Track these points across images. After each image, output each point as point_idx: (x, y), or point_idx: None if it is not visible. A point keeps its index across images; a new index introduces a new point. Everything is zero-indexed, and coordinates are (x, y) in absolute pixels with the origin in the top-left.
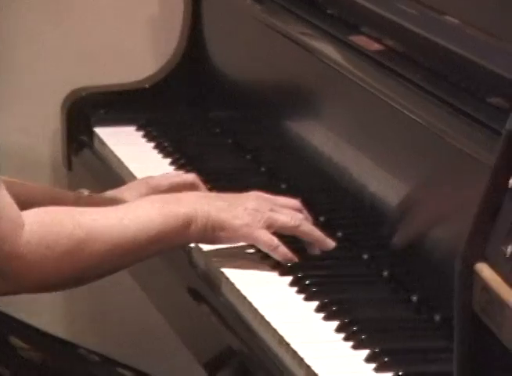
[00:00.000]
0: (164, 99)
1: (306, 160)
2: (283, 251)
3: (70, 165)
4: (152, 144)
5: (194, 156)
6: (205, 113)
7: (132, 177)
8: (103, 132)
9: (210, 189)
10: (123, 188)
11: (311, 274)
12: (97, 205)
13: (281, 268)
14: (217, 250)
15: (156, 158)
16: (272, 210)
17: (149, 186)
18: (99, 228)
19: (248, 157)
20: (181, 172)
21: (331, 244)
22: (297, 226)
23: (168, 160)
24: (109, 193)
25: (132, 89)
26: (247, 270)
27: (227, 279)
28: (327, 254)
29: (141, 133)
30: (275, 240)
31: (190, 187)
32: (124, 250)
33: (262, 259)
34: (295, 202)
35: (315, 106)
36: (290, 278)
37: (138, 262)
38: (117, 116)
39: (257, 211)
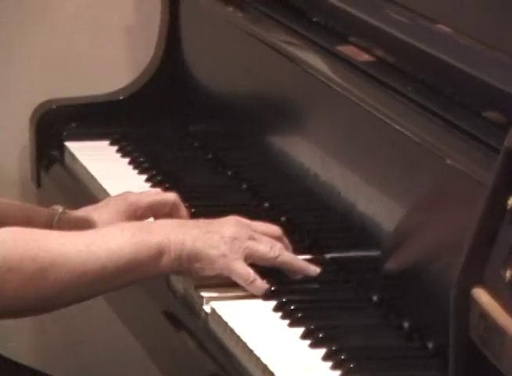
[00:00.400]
0: (139, 112)
1: (291, 177)
2: (259, 286)
3: (39, 182)
4: (126, 159)
5: (172, 172)
6: (184, 127)
7: (106, 194)
8: (75, 147)
9: (189, 208)
10: (100, 204)
11: (296, 299)
12: (72, 223)
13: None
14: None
15: (132, 174)
16: (250, 238)
17: (128, 202)
18: (66, 253)
19: (229, 173)
20: (160, 191)
21: (315, 270)
22: (276, 257)
23: (144, 176)
24: (85, 210)
25: (106, 101)
26: (229, 294)
27: (207, 304)
28: (313, 278)
29: (115, 148)
30: (251, 274)
31: (171, 207)
32: (91, 278)
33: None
34: (275, 229)
35: (300, 119)
36: (274, 303)
37: (107, 293)
38: (89, 130)
39: (235, 240)
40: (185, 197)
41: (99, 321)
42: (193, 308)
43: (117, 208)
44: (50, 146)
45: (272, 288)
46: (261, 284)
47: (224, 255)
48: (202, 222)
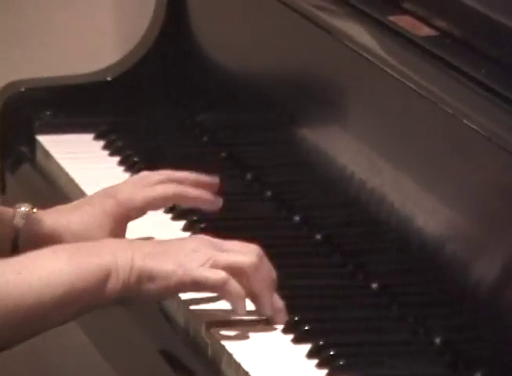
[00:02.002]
0: (132, 97)
1: (328, 182)
2: (235, 289)
3: (3, 186)
4: (116, 158)
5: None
6: (190, 116)
7: None
8: (49, 141)
9: (196, 222)
10: (80, 202)
11: (332, 339)
12: (44, 225)
13: (285, 324)
14: (201, 298)
15: (122, 179)
16: (218, 250)
17: (117, 201)
18: None
19: (249, 176)
20: (155, 175)
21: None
22: (256, 263)
23: None
24: (61, 209)
25: (89, 83)
26: (242, 328)
27: (218, 343)
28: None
29: (101, 143)
30: (221, 273)
31: (177, 200)
32: (23, 315)
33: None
34: (253, 249)
35: (340, 108)
36: (305, 345)
37: (42, 332)
38: (68, 119)
39: (197, 252)
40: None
41: (76, 359)
42: (198, 346)
43: (104, 209)
44: (17, 140)
45: (296, 318)
46: (237, 285)
47: (181, 266)
48: (157, 241)
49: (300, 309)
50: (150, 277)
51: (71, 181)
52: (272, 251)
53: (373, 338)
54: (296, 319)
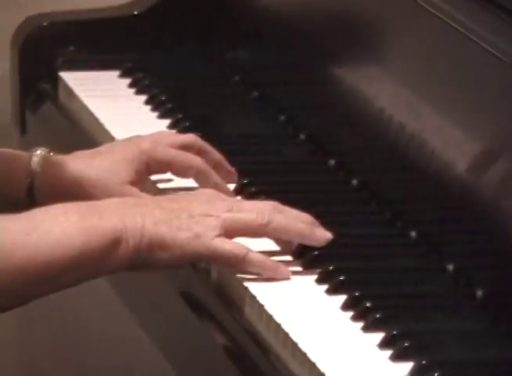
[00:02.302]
0: (160, 32)
1: (366, 125)
2: (257, 259)
3: (23, 126)
4: (142, 97)
5: (204, 116)
6: (220, 53)
7: None
8: (73, 79)
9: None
10: (101, 149)
11: (368, 291)
12: (62, 170)
13: (319, 274)
14: None
15: (150, 118)
16: (228, 210)
17: (140, 149)
18: None
19: (282, 118)
20: (182, 136)
21: (325, 235)
22: (268, 223)
23: (167, 121)
24: (81, 155)
25: (115, 17)
26: (277, 282)
27: (250, 294)
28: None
29: (127, 81)
30: (240, 247)
31: (195, 175)
32: (30, 278)
33: (296, 260)
34: (266, 203)
35: (377, 47)
36: (340, 296)
37: (52, 293)
38: (92, 55)
39: (209, 217)
40: (220, 152)
41: (101, 312)
42: (230, 298)
43: (125, 156)
44: (39, 76)
45: (331, 268)
46: (260, 257)
47: (197, 236)
48: (164, 199)
49: (334, 258)
50: (163, 246)
51: (96, 120)
52: (305, 197)
53: (411, 290)
54: (330, 268)
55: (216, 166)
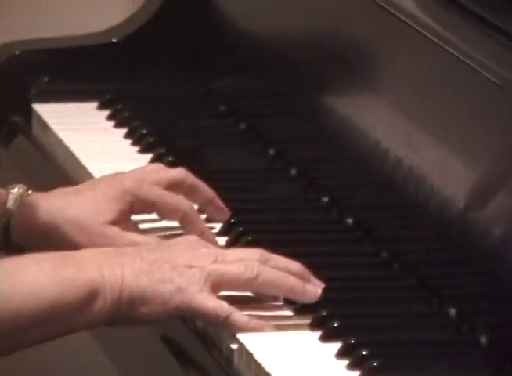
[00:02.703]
0: (140, 61)
1: (361, 160)
2: (240, 320)
3: None
4: (122, 130)
5: (188, 150)
6: (205, 83)
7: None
8: (47, 111)
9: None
10: (82, 186)
11: (365, 337)
12: (39, 210)
13: (313, 320)
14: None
15: (130, 153)
16: (214, 261)
17: (124, 187)
18: None
19: (271, 152)
20: (171, 172)
21: (315, 293)
22: (256, 277)
23: (148, 156)
24: (60, 192)
25: (93, 45)
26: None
27: (238, 341)
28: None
29: (105, 113)
30: (224, 306)
31: (182, 221)
32: (1, 329)
33: (286, 305)
34: (254, 251)
35: (370, 74)
36: (334, 343)
37: (23, 348)
38: (68, 86)
39: (193, 268)
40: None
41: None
42: (215, 344)
43: (108, 195)
44: (11, 109)
45: (324, 314)
46: (242, 318)
47: (180, 289)
48: (144, 249)
49: (328, 302)
50: (144, 301)
51: (72, 156)
52: (297, 237)
53: (411, 336)
54: (324, 314)
55: (208, 203)
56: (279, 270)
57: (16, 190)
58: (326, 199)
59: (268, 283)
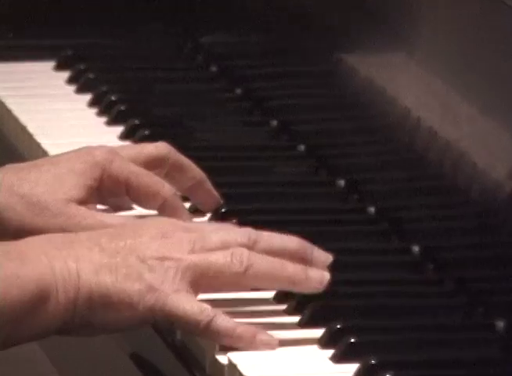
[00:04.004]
0: (111, 8)
1: (382, 131)
2: (226, 327)
3: None
4: (86, 97)
5: (169, 121)
6: (191, 38)
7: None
8: None
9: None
10: (43, 160)
11: (388, 358)
12: None
13: (324, 335)
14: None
15: (95, 125)
16: (193, 250)
17: (95, 160)
18: None
19: (274, 123)
20: (152, 147)
21: (321, 279)
22: (247, 269)
23: (118, 128)
24: (11, 167)
25: None
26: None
27: (230, 362)
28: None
29: (64, 75)
30: (206, 308)
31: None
32: None
33: (277, 304)
34: (242, 232)
35: (399, 30)
36: (351, 365)
37: None
38: (17, 41)
39: (167, 260)
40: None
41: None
42: (197, 362)
43: (72, 168)
44: None
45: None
46: (226, 322)
47: (152, 289)
48: (104, 234)
49: (343, 312)
50: (106, 303)
51: (22, 129)
52: (306, 229)
53: (446, 356)
54: (338, 327)
55: (196, 187)
56: (275, 253)
57: None
58: (341, 182)
59: (262, 275)
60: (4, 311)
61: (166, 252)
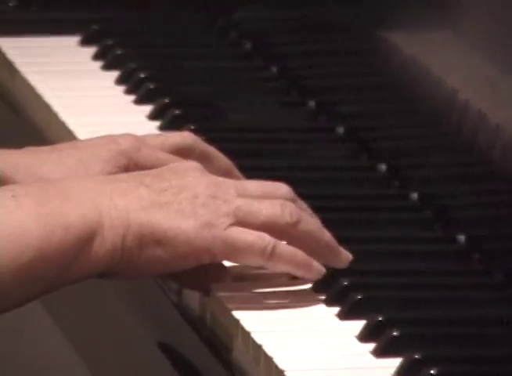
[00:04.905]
0: None
1: (428, 114)
2: (289, 252)
3: None
4: (113, 74)
5: (200, 101)
6: (222, 13)
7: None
8: (13, 47)
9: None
10: (65, 144)
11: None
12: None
13: (368, 327)
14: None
15: (123, 104)
16: (241, 194)
17: (120, 148)
18: None
19: (312, 104)
20: (179, 137)
21: (347, 257)
22: (296, 223)
23: (147, 107)
24: (31, 150)
25: None
26: (282, 313)
27: (246, 333)
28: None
29: (91, 51)
30: (266, 237)
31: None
32: None
33: (316, 293)
34: (281, 186)
35: (452, 3)
36: (394, 359)
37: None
38: (41, 15)
39: (217, 198)
40: (225, 153)
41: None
42: (222, 341)
43: (97, 154)
44: None
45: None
46: (291, 251)
47: (209, 224)
48: (146, 174)
49: (385, 303)
50: (158, 239)
51: (46, 107)
52: (345, 216)
53: (494, 352)
54: (379, 319)
55: (224, 177)
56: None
57: None
58: (383, 167)
59: (308, 233)
60: (49, 252)
61: (216, 191)
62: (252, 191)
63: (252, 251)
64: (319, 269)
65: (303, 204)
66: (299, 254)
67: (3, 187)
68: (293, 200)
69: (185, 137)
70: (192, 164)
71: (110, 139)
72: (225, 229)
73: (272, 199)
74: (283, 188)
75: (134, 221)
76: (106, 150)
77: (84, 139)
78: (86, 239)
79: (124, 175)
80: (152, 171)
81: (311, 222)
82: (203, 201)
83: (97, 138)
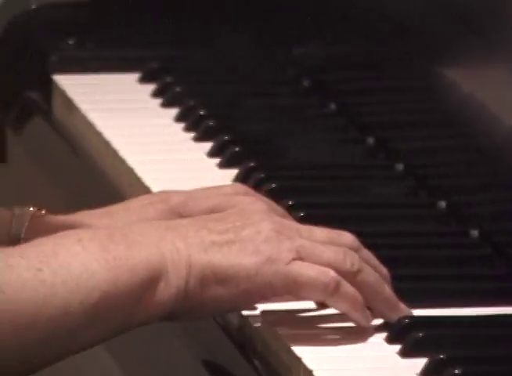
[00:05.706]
0: (197, 19)
1: (494, 152)
2: (351, 292)
3: (2, 152)
4: (173, 111)
5: (260, 138)
6: (281, 49)
7: (137, 182)
8: (73, 84)
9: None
10: (117, 205)
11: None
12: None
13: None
14: None
15: (182, 140)
16: (301, 235)
17: (170, 206)
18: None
19: (370, 141)
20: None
21: (407, 310)
22: (357, 272)
23: (207, 144)
24: (83, 214)
25: None
26: (343, 350)
27: (307, 371)
28: None
29: (150, 88)
30: (330, 273)
31: None
32: (41, 330)
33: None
34: (346, 235)
35: (504, 40)
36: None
37: (66, 357)
38: (100, 52)
39: (281, 235)
40: (284, 188)
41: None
42: (268, 360)
43: (144, 215)
44: (24, 81)
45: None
46: (351, 289)
47: (270, 260)
48: (208, 218)
49: (445, 340)
50: (221, 278)
51: (105, 144)
52: (404, 254)
53: None
54: (441, 357)
55: None
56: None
57: (24, 212)
58: (443, 204)
59: (367, 285)
60: (116, 295)
61: (280, 228)
62: (317, 236)
63: (315, 286)
64: (370, 318)
65: (368, 254)
66: (360, 297)
67: (69, 231)
68: (357, 250)
69: (236, 188)
70: (258, 207)
71: (161, 196)
72: (287, 264)
73: (337, 246)
74: (348, 237)
75: (195, 262)
76: (153, 211)
77: (137, 198)
78: (151, 282)
79: (186, 220)
80: (215, 214)
81: (371, 275)
82: (266, 236)
83: (150, 195)
